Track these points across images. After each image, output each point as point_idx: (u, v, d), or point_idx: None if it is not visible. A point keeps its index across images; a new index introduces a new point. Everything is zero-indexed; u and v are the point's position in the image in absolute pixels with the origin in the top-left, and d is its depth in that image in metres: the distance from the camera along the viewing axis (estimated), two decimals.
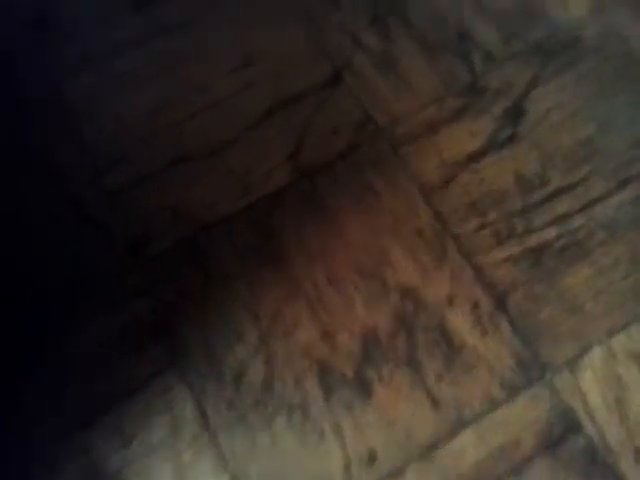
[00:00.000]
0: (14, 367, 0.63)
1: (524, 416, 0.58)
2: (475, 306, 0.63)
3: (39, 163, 0.72)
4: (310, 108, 0.72)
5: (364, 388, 0.60)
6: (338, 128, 0.71)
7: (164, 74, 0.76)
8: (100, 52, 0.77)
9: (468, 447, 0.58)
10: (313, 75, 0.74)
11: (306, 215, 0.68)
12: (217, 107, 0.74)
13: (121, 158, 0.72)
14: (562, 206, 0.66)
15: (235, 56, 0.76)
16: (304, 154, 0.70)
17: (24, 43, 0.78)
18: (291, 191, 0.69)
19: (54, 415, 0.61)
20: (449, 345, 0.61)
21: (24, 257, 0.69)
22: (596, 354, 0.60)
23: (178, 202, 0.69)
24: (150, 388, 0.62)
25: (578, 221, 0.65)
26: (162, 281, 0.66)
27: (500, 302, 0.63)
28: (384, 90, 0.72)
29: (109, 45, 0.77)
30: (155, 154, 0.72)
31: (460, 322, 0.62)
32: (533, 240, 0.65)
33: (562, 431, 0.57)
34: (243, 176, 0.70)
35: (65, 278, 0.67)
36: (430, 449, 0.58)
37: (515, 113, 0.70)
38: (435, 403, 0.59)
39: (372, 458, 0.58)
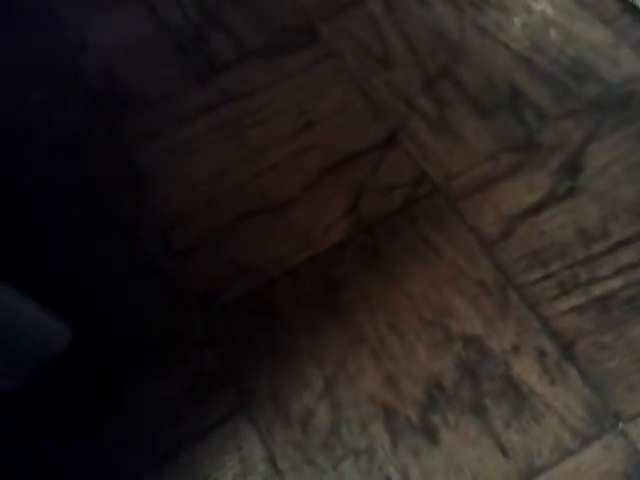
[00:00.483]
0: (95, 404, 0.67)
1: (598, 466, 0.56)
2: (542, 354, 0.62)
3: (111, 224, 0.79)
4: (366, 167, 0.77)
5: (430, 434, 0.60)
6: (394, 185, 0.75)
7: (228, 139, 0.83)
8: (169, 121, 0.86)
9: None
10: (369, 136, 0.79)
11: (367, 267, 0.71)
12: (277, 168, 0.80)
13: (188, 217, 0.78)
14: (626, 257, 0.66)
15: (294, 120, 0.83)
16: (362, 210, 0.75)
17: (100, 117, 0.88)
18: (351, 245, 0.73)
19: (131, 455, 0.64)
20: (516, 393, 0.61)
21: (98, 313, 0.74)
22: None
23: (242, 257, 0.74)
24: (220, 432, 0.64)
25: None
26: (229, 332, 0.70)
27: (567, 351, 0.62)
28: (439, 149, 0.77)
29: (178, 113, 0.86)
30: (219, 212, 0.78)
31: (527, 371, 0.62)
32: (598, 290, 0.65)
33: None
34: (304, 231, 0.75)
35: (139, 332, 0.72)
36: None
37: (572, 167, 0.72)
38: (503, 450, 0.59)
39: None
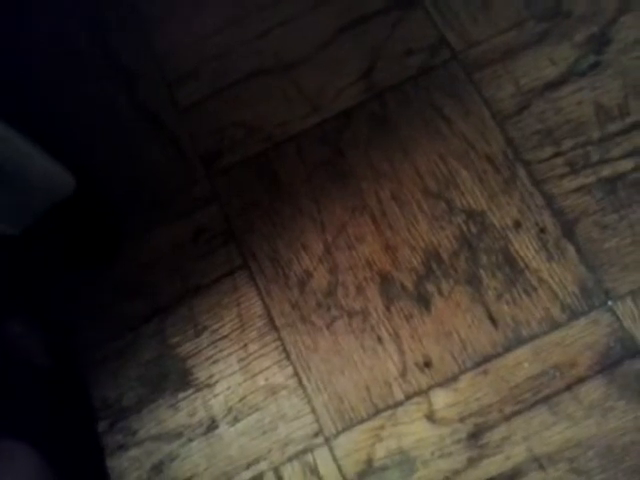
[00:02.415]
0: (99, 256, 0.69)
1: (583, 339, 0.59)
2: (542, 231, 0.63)
3: (115, 71, 0.76)
4: (384, 29, 0.72)
5: (423, 300, 0.62)
6: (411, 50, 0.71)
7: None
8: None
9: (523, 362, 0.59)
10: None
11: (375, 135, 0.69)
12: (290, 25, 0.75)
13: (195, 72, 0.74)
14: None
15: None
16: (375, 75, 0.71)
17: None
18: (361, 111, 0.70)
19: (129, 306, 0.67)
20: (512, 267, 0.62)
21: (101, 163, 0.73)
22: None
23: (249, 118, 0.72)
24: (220, 287, 0.66)
25: None
26: (233, 192, 0.70)
27: (568, 229, 0.63)
28: (462, 13, 0.71)
29: None
30: (227, 70, 0.74)
31: (525, 246, 0.63)
32: (607, 170, 0.64)
33: (620, 355, 0.58)
34: (314, 94, 0.72)
35: (139, 186, 0.71)
36: (484, 361, 0.59)
37: (600, 40, 0.68)
38: (493, 320, 0.61)
39: (427, 364, 0.60)
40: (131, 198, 0.71)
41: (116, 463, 0.60)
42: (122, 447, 0.60)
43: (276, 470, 0.58)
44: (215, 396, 0.62)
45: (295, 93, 0.72)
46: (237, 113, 0.73)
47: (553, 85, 0.68)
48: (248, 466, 0.59)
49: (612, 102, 0.66)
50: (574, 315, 0.60)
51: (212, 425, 0.60)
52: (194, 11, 0.77)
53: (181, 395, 0.62)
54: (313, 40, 0.73)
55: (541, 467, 0.56)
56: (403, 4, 0.73)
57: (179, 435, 0.60)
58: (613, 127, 0.65)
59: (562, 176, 0.64)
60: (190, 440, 0.60)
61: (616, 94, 0.66)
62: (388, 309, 0.63)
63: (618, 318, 0.59)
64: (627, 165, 0.63)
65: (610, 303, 0.60)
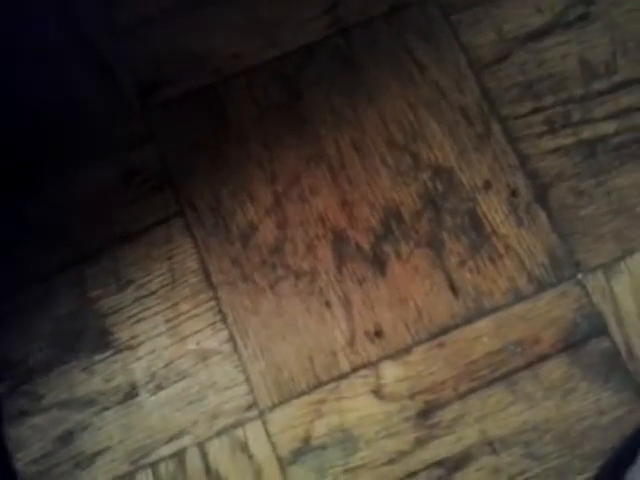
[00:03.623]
0: (14, 192, 0.59)
1: (548, 313, 0.54)
2: (513, 194, 0.57)
3: None
4: None
5: (379, 263, 0.56)
6: None
7: None
8: None
9: (482, 336, 0.54)
10: None
11: (338, 76, 0.61)
12: None
13: None
14: (626, 99, 0.59)
15: None
16: (343, 8, 0.63)
17: None
18: (325, 48, 0.62)
19: (49, 251, 0.58)
20: (478, 232, 0.56)
21: (23, 91, 0.63)
22: (637, 260, 0.55)
23: (197, 48, 0.63)
24: (152, 236, 0.58)
25: None
26: (172, 130, 0.61)
27: (541, 193, 0.57)
28: None
29: None
30: None
31: (494, 209, 0.57)
32: (588, 132, 0.58)
33: (586, 333, 0.53)
34: (272, 25, 0.63)
35: (64, 116, 0.62)
36: (440, 333, 0.54)
37: None
38: (453, 288, 0.55)
39: (378, 334, 0.54)
40: (53, 130, 0.61)
41: (15, 431, 0.52)
42: (24, 413, 0.52)
43: (201, 445, 0.51)
44: (137, 360, 0.54)
45: (251, 23, 0.63)
46: (182, 41, 0.63)
47: (537, 35, 0.61)
48: (170, 440, 0.51)
49: (599, 58, 0.60)
50: (541, 287, 0.55)
51: (131, 392, 0.53)
52: None
53: (97, 357, 0.54)
54: None
55: (494, 451, 0.51)
56: None
57: (92, 402, 0.52)
58: (598, 85, 0.59)
59: (539, 135, 0.58)
60: (105, 408, 0.52)
61: (603, 50, 0.60)
62: (340, 271, 0.56)
63: (587, 293, 0.54)
64: (609, 127, 0.58)
65: (580, 276, 0.55)
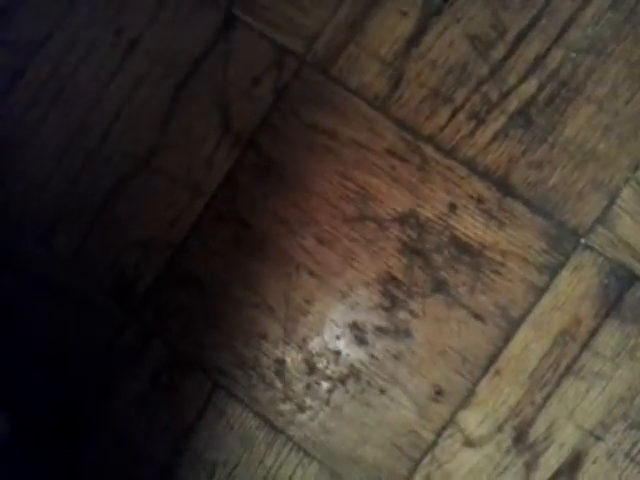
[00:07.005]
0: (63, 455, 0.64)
1: (574, 291, 0.54)
2: (480, 202, 0.56)
3: None
4: (216, 71, 0.63)
5: (403, 331, 0.57)
6: (257, 77, 0.62)
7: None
8: None
9: (529, 345, 0.54)
10: (199, 39, 0.64)
11: (267, 186, 0.61)
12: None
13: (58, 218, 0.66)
14: (531, 49, 0.56)
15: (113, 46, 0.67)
16: (235, 123, 0.62)
17: None
18: (241, 169, 0.62)
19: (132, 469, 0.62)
20: (469, 254, 0.56)
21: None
22: (626, 195, 0.53)
23: (135, 233, 0.64)
24: (207, 417, 0.61)
25: (555, 58, 0.56)
26: (163, 314, 0.63)
27: (504, 186, 0.56)
28: (285, 10, 0.62)
29: None
30: (93, 197, 0.66)
31: (471, 225, 0.56)
32: (514, 102, 0.56)
33: (618, 289, 0.53)
34: (186, 178, 0.63)
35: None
36: (490, 362, 0.55)
37: None
38: (477, 316, 0.56)
39: (439, 393, 0.56)
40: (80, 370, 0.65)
41: None
42: None
43: None
44: None
45: (167, 185, 0.64)
46: (122, 235, 0.65)
47: (415, 38, 0.59)
48: None
49: (483, 26, 0.58)
50: (554, 271, 0.54)
51: None
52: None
53: None
54: (155, 118, 0.64)
55: (598, 438, 0.52)
56: (221, 34, 0.63)
57: None
58: (496, 53, 0.57)
59: (471, 133, 0.57)
60: None
61: (483, 16, 0.58)
62: (374, 357, 0.58)
63: (599, 252, 0.53)
64: (531, 87, 0.56)
65: (583, 241, 0.54)
